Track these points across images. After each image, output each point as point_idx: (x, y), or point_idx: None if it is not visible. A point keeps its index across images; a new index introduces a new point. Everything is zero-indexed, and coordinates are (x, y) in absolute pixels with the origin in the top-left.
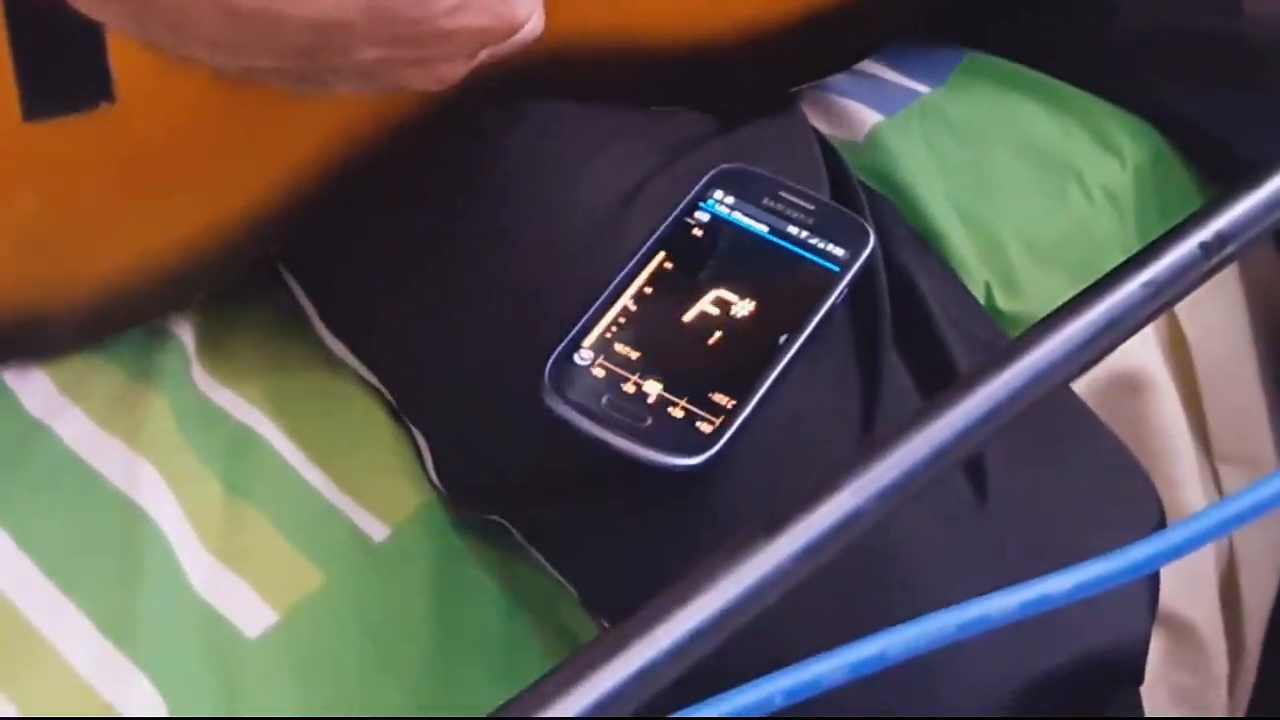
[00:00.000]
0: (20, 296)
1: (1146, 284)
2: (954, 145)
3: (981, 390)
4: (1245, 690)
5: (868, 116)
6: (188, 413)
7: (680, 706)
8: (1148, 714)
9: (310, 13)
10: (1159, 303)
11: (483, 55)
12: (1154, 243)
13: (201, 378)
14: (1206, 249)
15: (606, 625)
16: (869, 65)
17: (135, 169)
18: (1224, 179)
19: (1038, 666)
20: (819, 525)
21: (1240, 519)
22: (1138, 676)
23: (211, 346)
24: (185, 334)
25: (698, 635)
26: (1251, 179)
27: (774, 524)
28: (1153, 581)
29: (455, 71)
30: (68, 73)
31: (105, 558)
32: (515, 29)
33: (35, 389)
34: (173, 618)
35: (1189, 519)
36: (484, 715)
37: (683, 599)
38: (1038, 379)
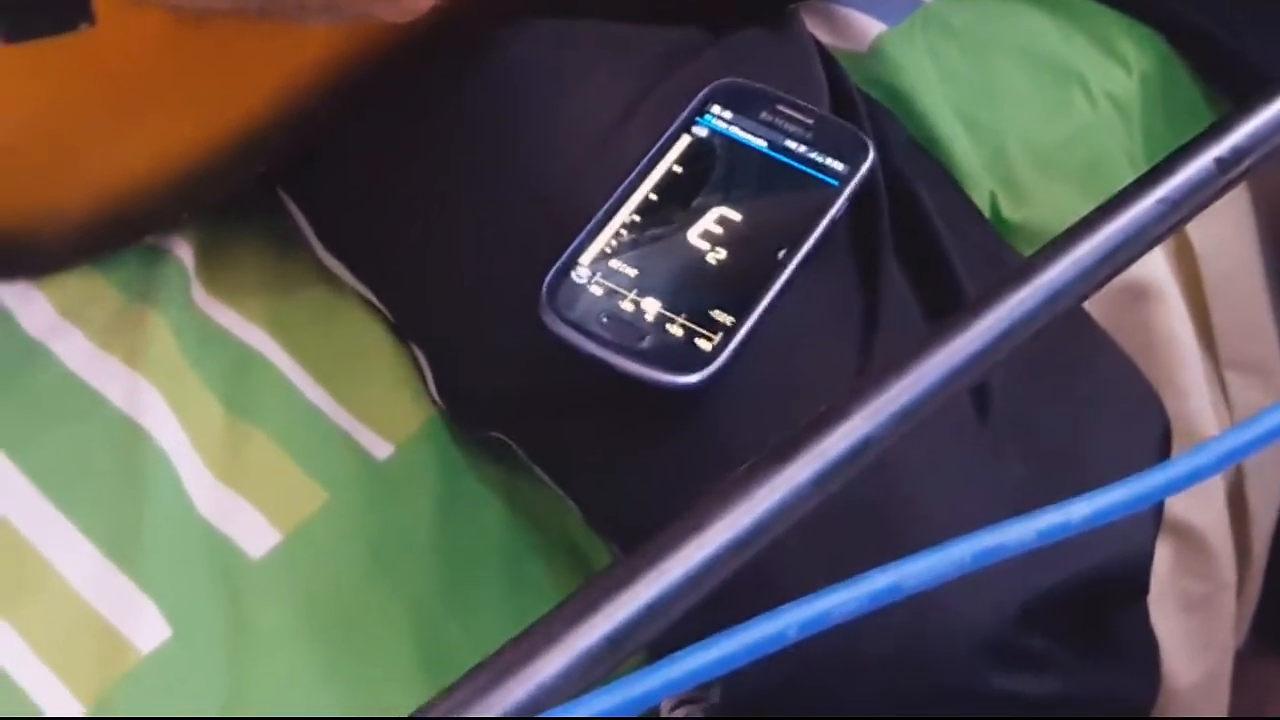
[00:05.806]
0: (6, 214)
1: (1162, 200)
2: (957, 54)
3: (996, 310)
4: (1252, 597)
5: (871, 26)
6: (188, 333)
7: (686, 645)
8: (1156, 621)
9: None
10: (1174, 219)
11: None
12: (1168, 159)
13: (202, 298)
14: (1222, 164)
15: (609, 543)
16: None
17: (116, 88)
18: (1232, 89)
19: (1041, 584)
20: (831, 451)
21: (1259, 443)
22: (1142, 590)
23: (211, 267)
24: (185, 254)
25: (712, 564)
26: (1266, 93)
27: (785, 451)
28: None
29: (423, 3)
30: None
31: (107, 479)
32: None
33: (34, 310)
34: (176, 539)
35: (1206, 443)
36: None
37: (696, 528)
38: (1052, 298)
